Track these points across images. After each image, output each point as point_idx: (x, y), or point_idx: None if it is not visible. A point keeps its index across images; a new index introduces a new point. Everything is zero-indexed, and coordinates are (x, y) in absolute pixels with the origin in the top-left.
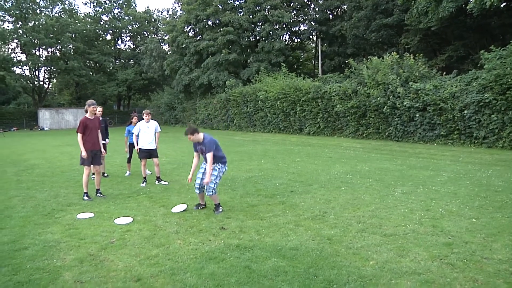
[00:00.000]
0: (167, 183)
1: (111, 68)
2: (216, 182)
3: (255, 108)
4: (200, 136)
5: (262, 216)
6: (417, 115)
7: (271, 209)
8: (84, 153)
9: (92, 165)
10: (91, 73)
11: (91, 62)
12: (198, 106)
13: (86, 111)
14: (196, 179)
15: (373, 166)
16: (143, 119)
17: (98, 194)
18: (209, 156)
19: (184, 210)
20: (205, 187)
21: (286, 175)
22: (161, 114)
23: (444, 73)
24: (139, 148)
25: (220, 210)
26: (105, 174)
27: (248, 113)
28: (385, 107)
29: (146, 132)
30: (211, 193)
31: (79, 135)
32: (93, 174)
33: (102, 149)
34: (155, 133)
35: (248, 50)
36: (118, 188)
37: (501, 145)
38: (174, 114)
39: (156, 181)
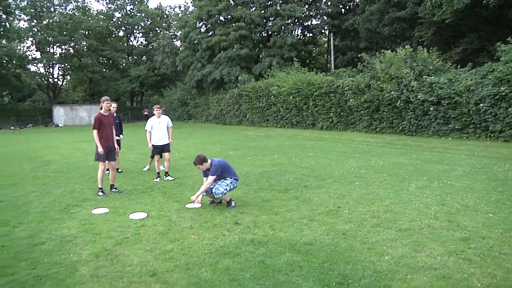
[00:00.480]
0: (172, 178)
1: (124, 64)
2: (226, 190)
3: (267, 103)
4: (208, 163)
5: (276, 211)
6: (431, 109)
7: (285, 204)
8: (100, 149)
9: (107, 161)
10: (104, 70)
11: (104, 58)
12: (210, 101)
13: (101, 108)
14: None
15: (387, 160)
16: (154, 115)
17: (113, 190)
18: (211, 178)
19: (197, 207)
20: (214, 192)
21: (300, 170)
22: (174, 110)
23: (459, 66)
24: (152, 145)
25: (233, 205)
26: (119, 170)
27: (260, 108)
28: (399, 101)
29: (157, 128)
30: (220, 195)
31: (95, 132)
32: (108, 170)
33: (116, 145)
34: (167, 128)
35: (260, 45)
36: (132, 184)
37: None
38: (187, 110)
39: (164, 176)
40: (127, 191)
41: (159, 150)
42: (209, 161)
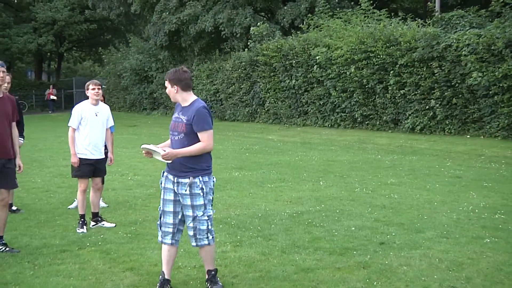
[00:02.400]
0: (113, 225)
1: None
2: (210, 226)
3: (306, 80)
4: (191, 98)
5: None
6: None
7: (343, 279)
8: None
9: None
10: None
11: None
12: (195, 75)
13: None
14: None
15: None
16: (88, 98)
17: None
18: (200, 144)
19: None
20: (194, 232)
21: (370, 211)
22: (123, 91)
23: None
24: (80, 158)
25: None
26: (14, 208)
27: (293, 89)
28: None
29: (93, 125)
30: (205, 243)
31: None
32: None
33: (19, 161)
34: (105, 129)
35: None
36: (42, 235)
37: None
38: (149, 91)
39: (92, 222)
40: (31, 249)
41: (90, 169)
42: (193, 96)
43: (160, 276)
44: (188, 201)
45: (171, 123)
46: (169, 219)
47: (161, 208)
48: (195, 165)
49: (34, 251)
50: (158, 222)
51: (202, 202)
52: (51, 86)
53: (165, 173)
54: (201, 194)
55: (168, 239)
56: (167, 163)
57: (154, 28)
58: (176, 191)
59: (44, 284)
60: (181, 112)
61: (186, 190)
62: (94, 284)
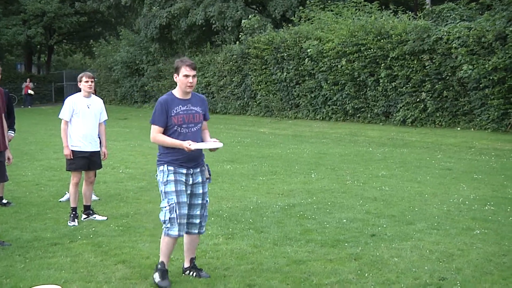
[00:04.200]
0: (104, 218)
1: None
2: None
3: (298, 73)
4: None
5: (318, 283)
6: None
7: (334, 270)
8: None
9: None
10: None
11: None
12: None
13: None
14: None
15: None
16: (79, 91)
17: None
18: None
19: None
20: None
21: (361, 204)
22: (114, 84)
23: None
24: (73, 151)
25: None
26: (4, 201)
27: (284, 82)
28: None
29: (86, 117)
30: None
31: None
32: None
33: (8, 153)
34: (99, 122)
35: None
36: (32, 227)
37: None
38: (141, 84)
39: (84, 215)
40: (22, 243)
41: (84, 162)
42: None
43: (160, 266)
44: (200, 190)
45: (181, 117)
46: (185, 210)
47: (176, 201)
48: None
49: (25, 244)
50: (173, 216)
51: (207, 189)
52: (28, 79)
53: (172, 167)
54: (208, 181)
55: (183, 230)
56: (193, 162)
57: (144, 20)
58: (188, 182)
59: (35, 277)
60: (189, 103)
61: (202, 178)
62: (85, 277)
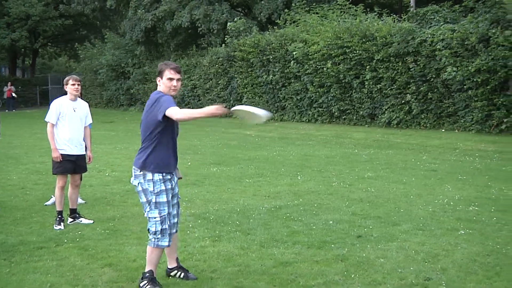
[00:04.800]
0: (91, 221)
1: None
2: (161, 216)
3: (283, 76)
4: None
5: (304, 284)
6: None
7: (321, 271)
8: None
9: None
10: None
11: None
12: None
13: None
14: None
15: None
16: (65, 94)
17: None
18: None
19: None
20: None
21: (348, 205)
22: (100, 87)
23: None
24: (61, 154)
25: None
26: None
27: (270, 84)
28: None
29: (72, 120)
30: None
31: None
32: None
33: None
34: (84, 126)
35: None
36: (18, 231)
37: None
38: (126, 87)
39: (70, 219)
40: (7, 247)
41: (70, 166)
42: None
43: (149, 274)
44: (176, 189)
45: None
46: (174, 219)
47: (167, 211)
48: None
49: (10, 249)
50: (165, 227)
51: None
52: (9, 82)
53: (164, 175)
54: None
55: (171, 239)
56: (174, 166)
57: (130, 23)
58: (172, 186)
59: (21, 281)
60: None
61: (176, 178)
62: (72, 280)
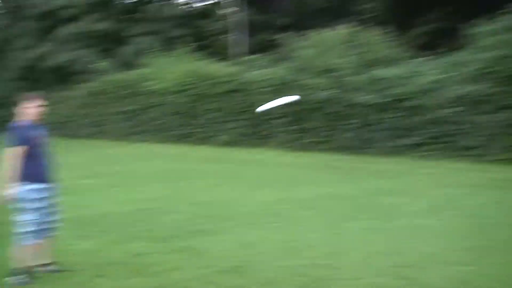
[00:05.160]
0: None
1: None
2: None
3: (143, 106)
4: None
5: (153, 271)
6: (383, 116)
7: (167, 260)
8: None
9: None
10: None
11: None
12: (51, 101)
13: None
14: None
15: (317, 191)
16: None
17: None
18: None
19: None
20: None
21: (190, 207)
22: None
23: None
24: None
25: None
26: None
27: (132, 112)
28: (335, 104)
29: None
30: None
31: None
32: None
33: None
34: None
35: (127, 16)
36: None
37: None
38: (5, 116)
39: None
40: None
41: None
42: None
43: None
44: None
45: (39, 139)
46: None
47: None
48: None
49: None
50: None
51: None
52: None
53: (38, 185)
54: None
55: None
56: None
57: (11, 61)
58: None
59: None
60: (39, 129)
61: None
62: None
